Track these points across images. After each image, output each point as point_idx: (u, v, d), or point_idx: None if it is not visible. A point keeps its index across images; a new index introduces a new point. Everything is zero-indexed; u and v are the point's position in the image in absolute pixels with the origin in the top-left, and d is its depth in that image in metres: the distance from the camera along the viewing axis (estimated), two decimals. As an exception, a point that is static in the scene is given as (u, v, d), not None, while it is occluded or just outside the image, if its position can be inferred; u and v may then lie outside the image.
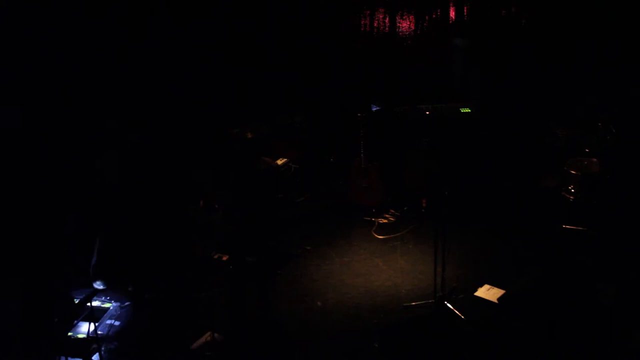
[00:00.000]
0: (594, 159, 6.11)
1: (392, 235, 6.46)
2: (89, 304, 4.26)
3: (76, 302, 4.48)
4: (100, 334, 4.55)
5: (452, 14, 7.82)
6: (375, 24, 8.12)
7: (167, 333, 4.82)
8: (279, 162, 6.75)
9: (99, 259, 4.79)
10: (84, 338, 4.45)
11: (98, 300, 4.84)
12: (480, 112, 7.17)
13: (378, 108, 7.72)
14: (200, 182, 5.74)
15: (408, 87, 7.88)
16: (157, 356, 4.59)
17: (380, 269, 5.79)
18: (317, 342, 4.69)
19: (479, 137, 7.25)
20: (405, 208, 7.05)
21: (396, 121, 7.53)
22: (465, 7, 7.78)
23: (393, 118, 7.57)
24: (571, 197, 5.94)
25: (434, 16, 7.93)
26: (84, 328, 4.49)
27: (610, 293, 4.84)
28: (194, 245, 5.36)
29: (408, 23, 8.02)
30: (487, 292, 5.19)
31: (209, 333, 4.63)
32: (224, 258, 5.05)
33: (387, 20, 8.07)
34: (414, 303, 5.09)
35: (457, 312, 4.88)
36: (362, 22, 8.13)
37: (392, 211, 7.00)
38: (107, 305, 4.85)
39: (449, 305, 4.96)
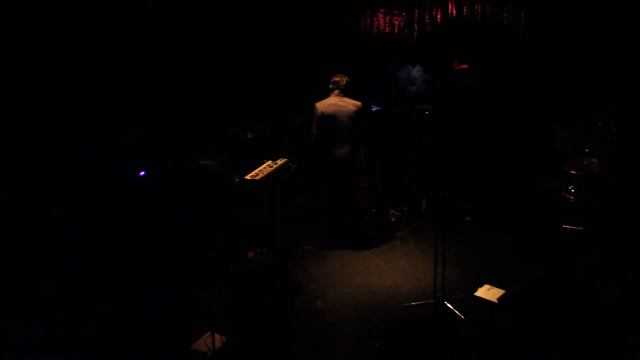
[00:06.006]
0: (594, 159, 6.10)
1: (392, 235, 6.46)
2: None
3: None
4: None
5: (453, 12, 7.82)
6: (375, 24, 8.12)
7: (167, 333, 4.83)
8: (279, 161, 6.72)
9: None
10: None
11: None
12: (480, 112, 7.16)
13: (378, 108, 7.71)
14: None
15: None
16: (157, 356, 4.60)
17: (380, 269, 5.79)
18: (317, 342, 4.69)
19: (479, 137, 7.24)
20: (405, 208, 7.05)
21: (396, 121, 7.53)
22: (465, 7, 7.77)
23: (393, 118, 7.56)
24: (571, 197, 5.94)
25: (434, 15, 7.92)
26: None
27: (610, 293, 4.84)
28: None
29: (407, 23, 8.02)
30: (487, 292, 5.19)
31: (209, 333, 4.63)
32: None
33: (387, 19, 8.06)
34: (414, 303, 5.09)
35: (457, 312, 4.89)
36: (363, 21, 8.13)
37: (392, 211, 7.00)
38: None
39: (449, 305, 4.96)
